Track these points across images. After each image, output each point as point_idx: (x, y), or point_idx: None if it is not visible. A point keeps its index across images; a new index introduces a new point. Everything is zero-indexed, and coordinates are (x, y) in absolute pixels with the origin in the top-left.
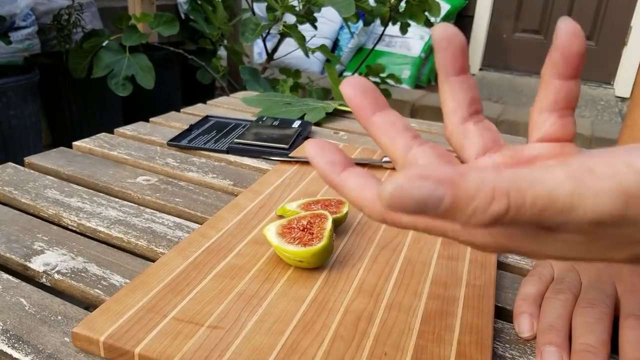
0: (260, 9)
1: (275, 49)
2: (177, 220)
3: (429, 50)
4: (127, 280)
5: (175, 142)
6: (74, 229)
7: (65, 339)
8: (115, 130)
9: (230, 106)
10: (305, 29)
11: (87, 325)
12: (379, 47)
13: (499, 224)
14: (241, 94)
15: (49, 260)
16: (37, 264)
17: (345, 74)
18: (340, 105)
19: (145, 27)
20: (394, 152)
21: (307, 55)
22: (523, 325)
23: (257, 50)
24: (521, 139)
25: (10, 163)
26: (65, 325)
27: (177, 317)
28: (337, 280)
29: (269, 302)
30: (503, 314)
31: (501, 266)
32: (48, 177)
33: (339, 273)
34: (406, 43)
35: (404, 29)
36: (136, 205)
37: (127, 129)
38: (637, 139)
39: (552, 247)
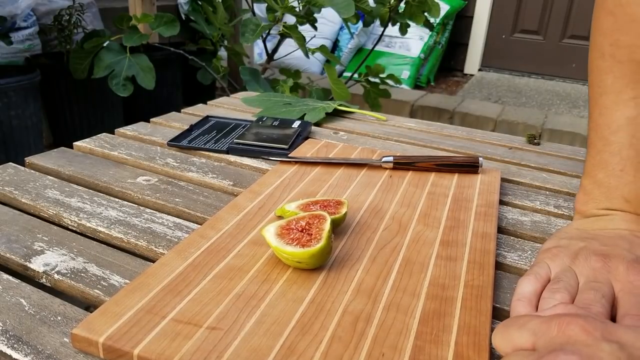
0: (260, 9)
1: (275, 50)
2: (177, 220)
3: (428, 51)
4: (127, 281)
5: (176, 142)
6: (74, 229)
7: (65, 339)
8: (116, 130)
9: (230, 106)
10: (305, 29)
11: (86, 326)
12: (378, 48)
13: None
14: (241, 95)
15: (49, 260)
16: (37, 264)
17: (345, 74)
18: (340, 105)
19: (146, 28)
20: None
21: (307, 56)
22: None
23: (258, 51)
24: (520, 139)
25: (10, 163)
26: (65, 326)
27: (176, 319)
28: (336, 281)
29: (268, 303)
30: (501, 315)
31: (499, 266)
32: (48, 177)
33: (338, 274)
34: (406, 44)
35: (403, 30)
36: (136, 205)
37: (127, 129)
38: (604, 138)
39: None
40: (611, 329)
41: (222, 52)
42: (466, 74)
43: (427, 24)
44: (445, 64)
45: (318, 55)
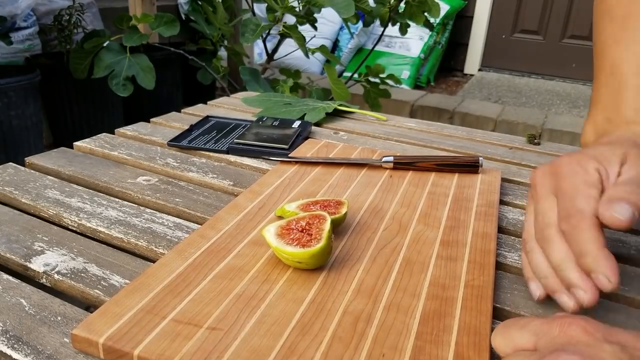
0: (260, 9)
1: (275, 50)
2: (177, 220)
3: (428, 51)
4: (127, 281)
5: (176, 142)
6: (74, 229)
7: (65, 339)
8: (116, 130)
9: (230, 106)
10: (305, 29)
11: (87, 327)
12: (378, 48)
13: None
14: (241, 95)
15: (49, 260)
16: (37, 265)
17: (345, 74)
18: (340, 105)
19: (146, 28)
20: None
21: (307, 56)
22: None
23: (257, 51)
24: (520, 139)
25: (11, 163)
26: (65, 326)
27: (176, 319)
28: (336, 281)
29: (268, 303)
30: (502, 315)
31: (500, 266)
32: (48, 177)
33: (338, 274)
34: (406, 44)
35: (403, 30)
36: (136, 205)
37: (127, 129)
38: (599, 81)
39: None
40: (612, 331)
41: (222, 52)
42: (466, 74)
43: (427, 24)
44: (445, 64)
45: (318, 55)
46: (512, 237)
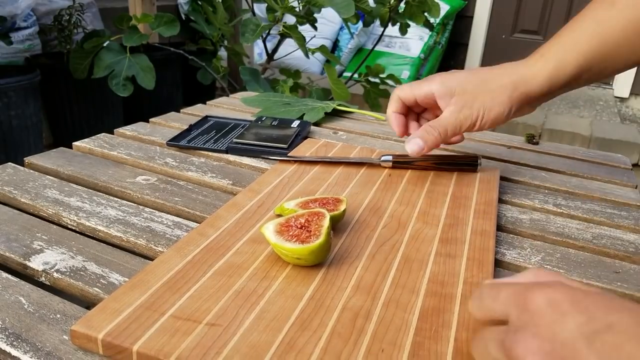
0: (260, 9)
1: (275, 50)
2: (176, 219)
3: (428, 51)
4: (126, 279)
5: (175, 142)
6: (73, 228)
7: (64, 337)
8: (115, 130)
9: (229, 106)
10: (305, 29)
11: (86, 323)
12: (378, 48)
13: None
14: (241, 94)
15: (49, 259)
16: (36, 263)
17: (345, 74)
18: (339, 105)
19: (146, 28)
20: None
21: (307, 56)
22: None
23: (257, 51)
24: (519, 138)
25: (10, 163)
26: (64, 324)
27: (175, 315)
28: (335, 278)
29: (267, 299)
30: None
31: (499, 264)
32: (48, 176)
33: (337, 270)
34: (406, 44)
35: (403, 30)
36: (135, 204)
37: (127, 129)
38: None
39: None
40: (583, 295)
41: (222, 52)
42: None
43: (427, 24)
44: (445, 64)
45: (318, 55)
46: (511, 235)
